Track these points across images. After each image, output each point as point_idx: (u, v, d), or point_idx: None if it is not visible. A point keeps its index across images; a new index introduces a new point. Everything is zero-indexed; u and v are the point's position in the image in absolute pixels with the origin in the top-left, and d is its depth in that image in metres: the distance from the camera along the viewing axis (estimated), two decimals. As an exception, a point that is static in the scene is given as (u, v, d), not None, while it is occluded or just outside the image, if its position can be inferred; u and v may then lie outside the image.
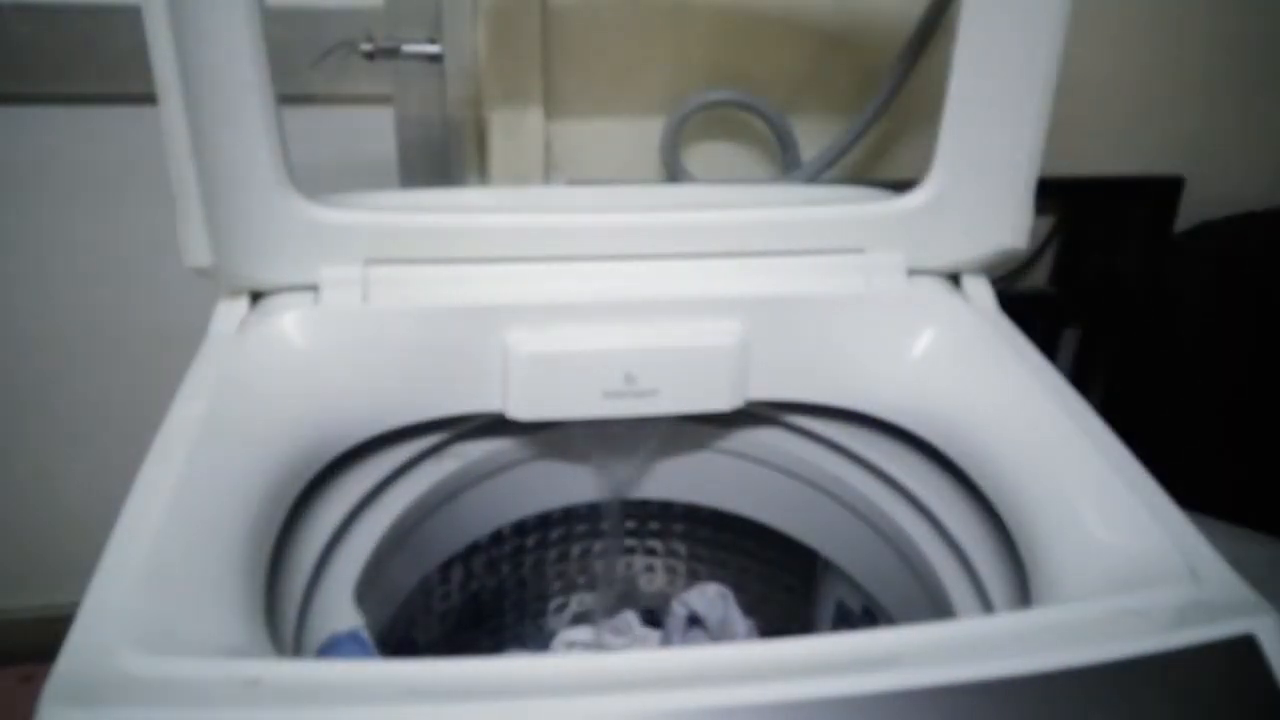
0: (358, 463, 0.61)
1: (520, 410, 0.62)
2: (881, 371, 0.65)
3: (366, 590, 0.57)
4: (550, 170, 0.95)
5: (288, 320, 0.59)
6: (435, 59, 0.90)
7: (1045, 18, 0.59)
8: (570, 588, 0.85)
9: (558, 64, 0.91)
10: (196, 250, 0.57)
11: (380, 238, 0.61)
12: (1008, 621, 0.45)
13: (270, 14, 0.55)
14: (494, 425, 0.66)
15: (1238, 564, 0.45)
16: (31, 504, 1.13)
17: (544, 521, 0.79)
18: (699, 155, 0.98)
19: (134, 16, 0.52)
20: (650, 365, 0.62)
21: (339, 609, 0.54)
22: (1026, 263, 1.10)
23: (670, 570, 0.86)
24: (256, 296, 0.61)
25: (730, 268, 0.65)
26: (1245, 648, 0.39)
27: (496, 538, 0.76)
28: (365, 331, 0.60)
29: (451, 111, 0.93)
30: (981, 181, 0.64)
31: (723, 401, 0.64)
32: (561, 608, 0.86)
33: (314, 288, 0.60)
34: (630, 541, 0.84)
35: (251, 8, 0.54)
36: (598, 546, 0.83)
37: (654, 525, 0.83)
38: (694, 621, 0.81)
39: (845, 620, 0.75)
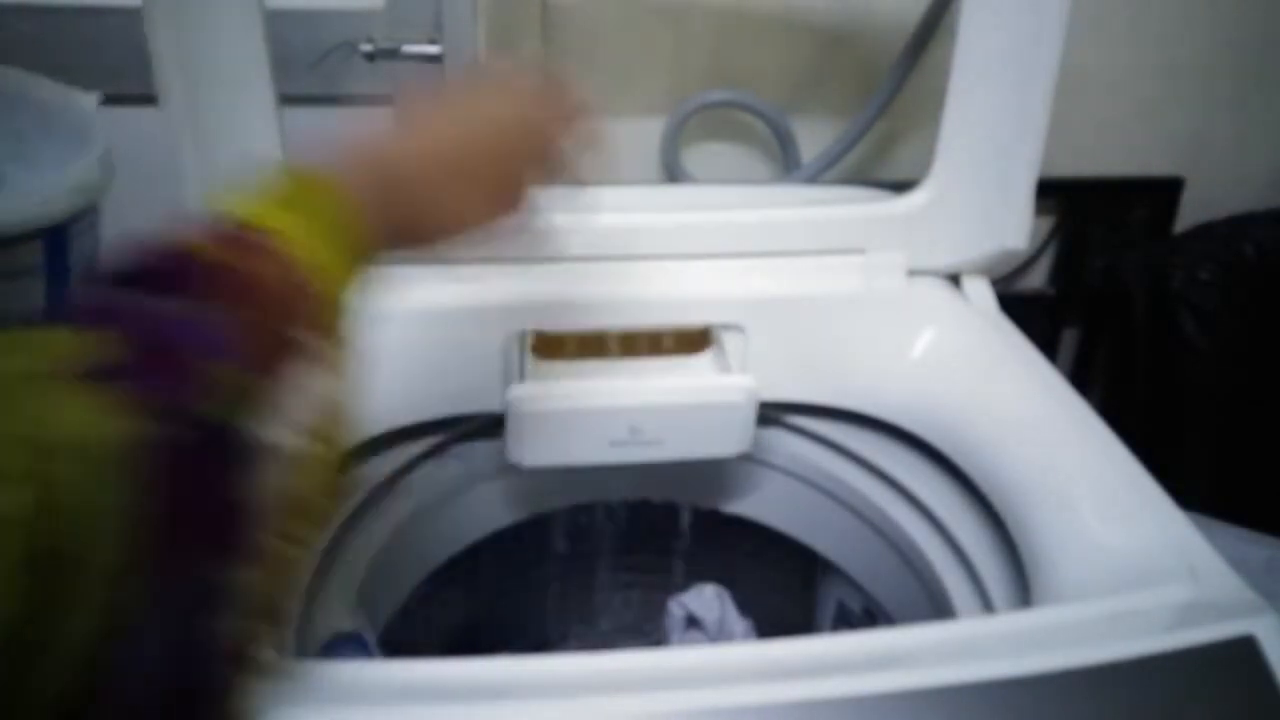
0: (358, 464, 0.61)
1: (524, 458, 0.62)
2: (881, 372, 0.65)
3: (368, 591, 0.57)
4: (550, 170, 0.95)
5: (288, 321, 0.59)
6: (435, 59, 0.90)
7: (1045, 18, 0.59)
8: (572, 589, 0.85)
9: (558, 64, 0.91)
10: (197, 251, 0.57)
11: (380, 238, 0.61)
12: (1008, 622, 0.46)
13: (270, 15, 0.55)
14: (495, 425, 0.66)
15: (1238, 564, 0.45)
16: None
17: (546, 522, 0.79)
18: (699, 155, 0.98)
19: (134, 17, 0.52)
20: (655, 420, 0.61)
21: (340, 610, 0.54)
22: (1026, 263, 1.10)
23: (670, 570, 0.85)
24: (257, 297, 0.61)
25: (731, 268, 0.65)
26: (1245, 648, 0.39)
27: (498, 538, 0.76)
28: (364, 332, 0.60)
29: (451, 112, 0.93)
30: (981, 181, 0.64)
31: (729, 449, 0.64)
32: (563, 609, 0.86)
33: (314, 288, 0.60)
34: (630, 542, 0.83)
35: (252, 9, 0.54)
36: (599, 547, 0.83)
37: (654, 526, 0.83)
38: (691, 622, 0.81)
39: (845, 620, 0.75)
